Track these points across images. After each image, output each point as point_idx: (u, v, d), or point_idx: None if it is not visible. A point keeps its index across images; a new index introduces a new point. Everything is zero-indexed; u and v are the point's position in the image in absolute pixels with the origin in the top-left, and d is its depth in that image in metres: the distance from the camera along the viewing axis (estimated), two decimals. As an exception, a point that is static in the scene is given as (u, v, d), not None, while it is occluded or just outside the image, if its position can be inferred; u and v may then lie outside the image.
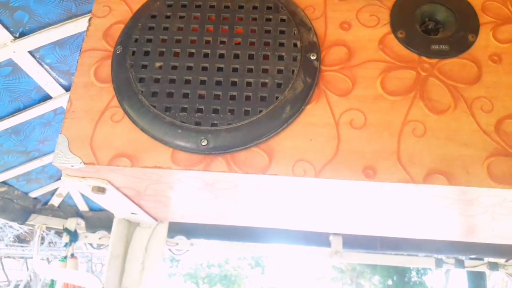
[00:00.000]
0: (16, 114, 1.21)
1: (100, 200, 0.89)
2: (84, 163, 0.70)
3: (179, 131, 0.70)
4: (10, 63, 1.05)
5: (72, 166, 0.71)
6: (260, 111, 0.69)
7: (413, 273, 14.18)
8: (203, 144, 0.69)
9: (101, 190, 0.79)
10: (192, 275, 15.86)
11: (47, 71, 1.12)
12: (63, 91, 1.22)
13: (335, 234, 1.76)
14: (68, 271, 1.56)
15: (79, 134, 0.72)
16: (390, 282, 14.68)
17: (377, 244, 1.78)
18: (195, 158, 0.70)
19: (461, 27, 0.78)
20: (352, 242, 1.78)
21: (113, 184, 0.79)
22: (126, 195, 0.86)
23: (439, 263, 1.75)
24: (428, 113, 0.72)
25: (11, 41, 0.99)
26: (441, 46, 0.76)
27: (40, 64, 1.09)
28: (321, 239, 1.80)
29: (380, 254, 1.79)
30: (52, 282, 1.73)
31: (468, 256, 1.79)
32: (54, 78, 1.16)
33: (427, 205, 0.80)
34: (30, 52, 1.04)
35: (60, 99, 1.23)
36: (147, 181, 0.77)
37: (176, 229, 1.77)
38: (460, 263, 1.80)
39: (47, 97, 1.22)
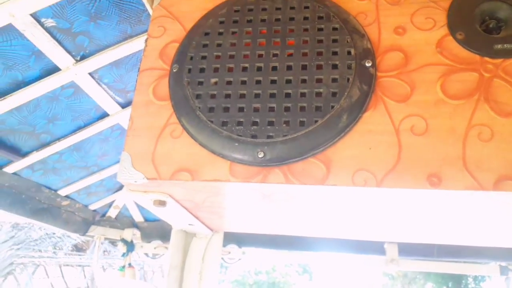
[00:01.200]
0: (78, 132, 1.29)
1: (160, 212, 0.92)
2: (147, 179, 0.73)
3: (236, 144, 0.71)
4: (72, 85, 1.12)
5: (136, 181, 0.74)
6: (316, 121, 0.69)
7: (470, 279, 13.40)
8: (260, 156, 0.69)
9: (162, 203, 0.81)
10: (240, 282, 15.95)
11: (105, 90, 1.19)
12: (119, 108, 1.28)
13: (390, 242, 1.70)
14: (127, 280, 1.62)
15: (141, 151, 0.75)
16: (445, 289, 13.95)
17: (435, 251, 1.71)
18: (253, 170, 0.71)
19: (525, 23, 0.73)
20: (408, 249, 1.72)
21: (174, 197, 0.81)
22: (185, 207, 0.89)
23: (504, 270, 1.65)
24: (494, 116, 0.68)
25: (73, 65, 1.06)
26: (505, 45, 0.72)
27: (99, 84, 1.15)
28: (374, 247, 1.75)
29: (438, 262, 1.71)
30: (112, 291, 1.80)
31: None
32: (111, 96, 1.22)
33: (494, 212, 0.76)
34: (90, 74, 1.11)
35: (116, 116, 1.30)
36: (206, 194, 0.79)
37: (228, 238, 1.80)
38: (527, 272, 1.68)
39: (105, 115, 1.29)
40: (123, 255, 1.81)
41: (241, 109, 0.73)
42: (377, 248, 1.75)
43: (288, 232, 1.15)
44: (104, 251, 7.01)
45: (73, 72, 1.06)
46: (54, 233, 7.08)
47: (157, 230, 1.86)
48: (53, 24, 0.93)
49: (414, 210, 0.79)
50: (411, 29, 0.76)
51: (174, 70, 0.79)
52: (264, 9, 0.79)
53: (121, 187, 1.74)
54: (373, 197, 0.71)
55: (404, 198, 0.70)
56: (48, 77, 1.06)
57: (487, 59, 0.72)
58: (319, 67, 0.73)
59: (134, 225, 1.87)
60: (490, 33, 0.74)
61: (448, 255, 1.69)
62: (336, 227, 1.02)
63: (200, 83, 0.76)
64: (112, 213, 1.84)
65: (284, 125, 0.70)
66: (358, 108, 0.70)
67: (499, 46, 0.72)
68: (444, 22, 0.75)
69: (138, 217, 1.85)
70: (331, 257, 1.79)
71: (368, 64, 0.72)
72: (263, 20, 0.78)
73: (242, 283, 15.88)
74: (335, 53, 0.73)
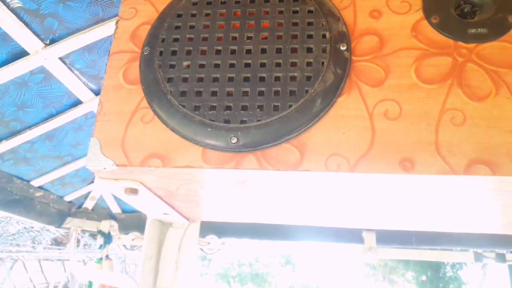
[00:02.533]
0: (49, 120, 1.24)
1: (133, 201, 0.89)
2: (116, 165, 0.70)
3: (209, 129, 0.69)
4: (42, 70, 1.07)
5: (105, 168, 0.72)
6: (290, 106, 0.68)
7: (448, 268, 13.79)
8: (233, 141, 0.68)
9: (134, 191, 0.79)
10: (223, 275, 16.01)
11: (77, 77, 1.15)
12: (93, 95, 1.24)
13: (368, 230, 1.72)
14: (104, 273, 1.59)
15: (111, 136, 0.73)
16: (424, 277, 14.32)
17: (412, 239, 1.73)
18: (226, 156, 0.69)
19: (500, 8, 0.73)
20: (386, 237, 1.74)
21: (146, 185, 0.79)
22: (158, 196, 0.86)
23: (478, 257, 1.69)
24: (467, 100, 0.68)
25: (42, 48, 1.01)
26: (478, 29, 0.72)
27: (71, 69, 1.11)
28: (353, 236, 1.76)
29: (415, 250, 1.73)
30: (90, 284, 1.77)
31: (509, 250, 1.70)
32: (83, 83, 1.18)
33: (467, 197, 0.76)
34: (61, 59, 1.07)
35: (90, 104, 1.26)
36: (179, 181, 0.77)
37: (207, 228, 1.78)
38: (501, 257, 1.72)
39: (78, 102, 1.25)
40: (100, 247, 1.78)
41: (214, 93, 0.71)
42: (356, 237, 1.76)
43: (266, 220, 1.14)
44: (85, 245, 6.90)
45: (42, 56, 1.02)
46: (32, 227, 6.92)
47: (135, 221, 1.83)
48: (19, 4, 0.89)
49: (389, 196, 0.79)
50: (387, 12, 0.75)
51: (145, 53, 0.77)
52: (238, -9, 0.77)
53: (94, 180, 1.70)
54: (347, 183, 0.71)
55: (378, 183, 0.70)
56: (16, 61, 1.02)
57: (461, 43, 0.72)
58: (293, 50, 0.71)
59: (111, 216, 1.84)
60: (464, 17, 0.74)
61: (426, 243, 1.72)
62: (314, 214, 1.02)
63: (172, 66, 0.74)
64: (89, 204, 1.80)
65: (258, 109, 0.69)
66: (332, 93, 0.69)
67: (473, 30, 0.72)
68: (420, 6, 0.75)
69: (115, 208, 1.82)
70: (311, 246, 1.80)
71: (343, 48, 0.71)
72: (237, 2, 0.76)
73: (225, 275, 15.94)
74: (310, 36, 0.72)
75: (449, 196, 0.77)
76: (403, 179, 0.66)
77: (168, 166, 0.69)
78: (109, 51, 0.81)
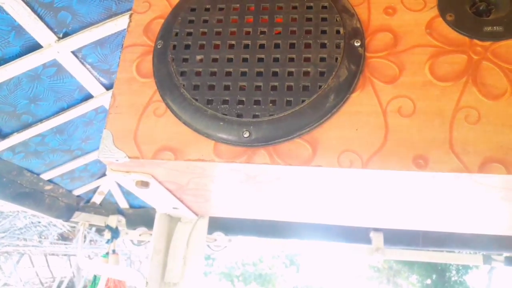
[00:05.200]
0: (60, 114, 1.25)
1: (143, 194, 0.90)
2: (129, 157, 0.71)
3: (221, 123, 0.69)
4: (54, 63, 1.08)
5: (117, 160, 0.72)
6: (303, 101, 0.68)
7: (453, 271, 13.67)
8: (245, 136, 0.68)
9: (145, 184, 0.80)
10: (227, 274, 16.01)
11: (89, 71, 1.15)
12: (104, 90, 1.25)
13: (375, 230, 1.71)
14: (111, 267, 1.60)
15: (123, 129, 0.73)
16: (429, 281, 14.21)
17: (420, 240, 1.72)
18: (237, 151, 0.69)
19: (516, 7, 0.72)
20: (393, 238, 1.73)
21: (157, 178, 0.79)
22: (168, 190, 0.87)
23: (487, 260, 1.67)
24: (482, 98, 0.67)
25: (55, 42, 1.02)
26: (494, 27, 0.71)
27: (83, 63, 1.12)
28: (360, 236, 1.76)
29: (423, 251, 1.72)
30: (95, 278, 1.78)
31: (519, 253, 1.69)
32: (95, 77, 1.19)
33: (480, 196, 0.76)
34: (73, 52, 1.07)
35: (101, 98, 1.26)
36: (190, 175, 0.77)
37: (214, 225, 1.78)
38: (510, 261, 1.70)
39: (89, 96, 1.26)
40: (108, 241, 1.79)
41: (226, 88, 0.71)
42: (363, 236, 1.75)
43: (274, 217, 1.14)
44: (91, 241, 6.95)
45: (55, 49, 1.03)
46: (39, 222, 6.99)
47: (143, 217, 1.83)
48: (34, -3, 0.90)
49: (400, 194, 0.79)
50: (401, 9, 0.74)
51: (159, 47, 0.77)
52: (252, -15, 0.77)
53: (106, 173, 1.71)
54: (359, 179, 0.70)
55: (390, 180, 0.70)
56: (29, 54, 1.02)
57: (476, 41, 0.71)
58: (307, 45, 0.71)
59: (119, 211, 1.84)
60: (480, 15, 0.73)
61: (433, 244, 1.71)
62: (322, 211, 1.02)
63: (185, 60, 0.74)
64: (97, 199, 1.81)
65: (270, 104, 0.69)
66: (345, 89, 0.69)
67: (489, 28, 0.71)
68: (435, 3, 0.74)
69: (123, 203, 1.83)
70: (318, 245, 1.80)
71: (357, 44, 0.71)
72: (251, -3, 0.76)
73: (229, 274, 15.95)
74: (323, 32, 0.72)
75: (460, 195, 0.76)
76: (415, 176, 0.66)
77: (180, 159, 0.70)
78: (122, 45, 0.81)
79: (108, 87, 1.25)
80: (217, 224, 1.80)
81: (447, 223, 1.04)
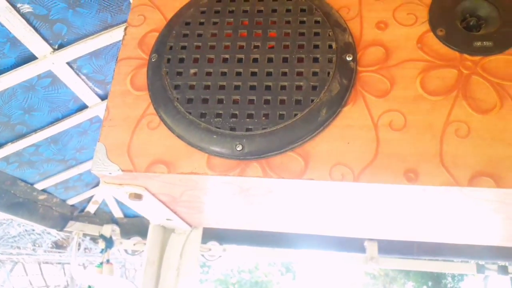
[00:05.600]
0: (55, 124, 1.25)
1: (136, 206, 0.90)
2: (122, 170, 0.71)
3: (214, 136, 0.69)
4: (49, 74, 1.09)
5: (110, 173, 0.72)
6: (295, 115, 0.68)
7: (449, 279, 13.66)
8: (238, 149, 0.68)
9: (138, 196, 0.80)
10: (222, 281, 15.91)
11: (84, 81, 1.16)
12: (99, 100, 1.25)
13: (370, 239, 1.71)
14: (105, 277, 1.59)
15: (117, 142, 0.73)
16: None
17: (414, 249, 1.72)
18: (230, 164, 0.69)
19: (506, 22, 0.74)
20: (388, 247, 1.73)
21: (150, 190, 0.80)
22: (162, 202, 0.87)
23: (481, 269, 1.67)
24: (472, 112, 0.68)
25: (50, 53, 1.03)
26: (484, 42, 0.73)
27: (78, 74, 1.12)
28: (355, 245, 1.76)
29: (417, 260, 1.73)
30: (89, 288, 1.76)
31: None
32: (90, 87, 1.19)
33: (471, 209, 0.76)
34: (68, 63, 1.08)
35: (95, 108, 1.27)
36: (183, 187, 0.77)
37: (208, 235, 1.78)
38: (503, 270, 1.71)
39: (83, 107, 1.26)
40: (102, 251, 1.78)
41: (220, 101, 0.71)
42: (358, 246, 1.76)
43: (268, 228, 1.14)
44: (85, 249, 6.89)
45: (50, 61, 1.03)
46: (33, 230, 6.92)
47: (137, 226, 1.83)
48: (30, 9, 0.90)
49: (392, 206, 0.79)
50: (393, 24, 0.75)
51: (153, 60, 0.77)
52: (246, 0, 0.78)
53: (100, 182, 1.71)
54: (351, 192, 0.71)
55: (381, 193, 0.70)
56: (24, 65, 1.03)
57: (466, 56, 0.72)
58: (300, 60, 0.72)
59: (113, 221, 1.84)
60: (470, 30, 0.74)
61: (428, 253, 1.71)
62: (316, 222, 1.02)
63: (179, 73, 0.74)
64: (91, 208, 1.81)
65: (263, 118, 0.69)
66: (337, 103, 0.70)
67: (479, 43, 0.72)
68: (426, 18, 0.75)
69: (117, 213, 1.82)
70: (313, 254, 1.80)
71: (349, 58, 0.72)
72: (245, 11, 0.77)
73: (225, 282, 15.84)
74: (316, 47, 0.73)
75: (452, 208, 0.77)
76: (407, 190, 0.67)
77: (173, 172, 0.70)
78: (116, 57, 0.82)
79: (103, 97, 1.25)
80: (211, 234, 1.80)
81: (440, 233, 1.05)
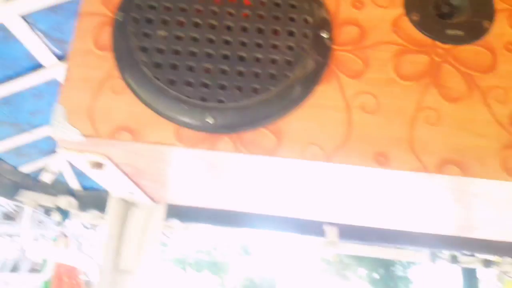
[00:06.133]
0: (6, 82, 1.16)
1: (97, 177, 0.85)
2: (83, 135, 0.66)
3: (185, 106, 0.66)
4: (0, 27, 0.99)
5: (70, 138, 0.67)
6: (269, 89, 0.66)
7: (399, 266, 14.39)
8: (209, 121, 0.66)
9: (99, 165, 0.75)
10: (180, 261, 15.90)
11: (40, 38, 1.06)
12: (56, 60, 1.16)
13: (330, 223, 1.74)
14: (61, 251, 1.53)
15: (78, 104, 0.68)
16: (376, 275, 14.88)
17: (373, 236, 1.77)
18: (200, 136, 0.67)
19: (476, 13, 0.74)
20: (347, 232, 1.77)
21: (112, 160, 0.75)
22: (125, 173, 0.83)
23: (433, 258, 1.75)
24: (442, 100, 0.69)
25: (2, 2, 0.93)
26: (456, 31, 0.73)
27: (32, 29, 1.03)
28: (315, 228, 1.78)
29: (375, 247, 1.78)
30: (45, 262, 1.69)
31: (462, 251, 1.78)
32: (47, 45, 1.10)
33: (435, 197, 0.78)
34: (23, 17, 0.99)
35: (52, 70, 1.18)
36: (148, 159, 0.74)
37: (170, 212, 1.74)
38: (454, 259, 1.80)
39: (38, 66, 1.17)
40: (58, 224, 1.70)
41: (190, 68, 0.68)
42: (317, 229, 1.78)
43: (232, 207, 1.13)
44: (39, 222, 6.63)
45: (1, 11, 0.94)
46: (-19, 200, 6.57)
47: (95, 199, 1.76)
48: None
49: (358, 190, 0.80)
50: (369, 4, 0.74)
51: (119, 18, 0.72)
52: (221, -37, 0.74)
53: (56, 150, 1.62)
54: (320, 173, 0.70)
55: (350, 175, 0.70)
56: (-26, 16, 0.94)
57: (438, 43, 0.72)
58: (275, 32, 0.70)
59: (69, 192, 1.76)
60: (443, 18, 0.74)
61: (385, 240, 1.77)
62: (281, 203, 1.02)
63: (147, 35, 0.70)
64: (46, 178, 1.71)
65: (236, 90, 0.67)
66: (312, 80, 0.68)
67: (451, 32, 0.73)
68: (401, 1, 0.75)
69: (74, 184, 1.74)
70: (274, 236, 1.81)
71: (325, 35, 0.70)
72: (220, -25, 0.73)
73: (182, 261, 15.85)
74: (292, 19, 0.70)
75: (417, 195, 0.78)
76: (376, 173, 0.67)
77: (138, 141, 0.66)
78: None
79: (61, 58, 1.16)
80: (173, 211, 1.76)
81: (400, 220, 1.08)
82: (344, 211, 1.04)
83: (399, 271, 14.56)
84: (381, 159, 0.65)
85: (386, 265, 14.14)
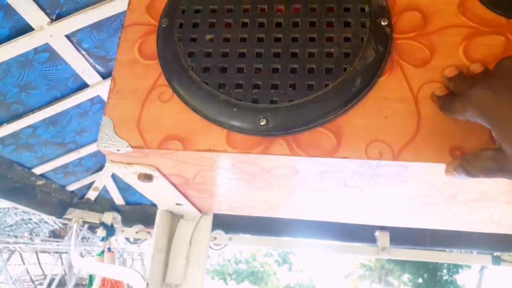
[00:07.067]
0: (54, 104, 1.17)
1: (145, 189, 0.83)
2: (132, 147, 0.64)
3: (235, 109, 0.62)
4: (47, 48, 1.00)
5: (118, 150, 0.65)
6: (326, 85, 0.61)
7: (444, 271, 13.77)
8: (262, 124, 0.61)
9: (148, 177, 0.73)
10: (219, 272, 15.97)
11: (84, 57, 1.07)
12: (100, 78, 1.17)
13: (381, 229, 1.65)
14: (107, 266, 1.53)
15: (125, 116, 0.66)
16: (420, 280, 14.29)
17: (426, 240, 1.67)
18: (253, 140, 0.62)
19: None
20: (399, 237, 1.67)
21: (161, 171, 0.72)
22: (173, 184, 0.80)
23: (496, 260, 1.62)
24: None
25: (47, 24, 0.94)
26: (533, 7, 0.65)
27: (77, 49, 1.04)
28: (365, 235, 1.70)
29: (430, 251, 1.67)
30: (91, 278, 1.70)
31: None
32: (91, 64, 1.11)
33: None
34: (67, 36, 0.99)
35: (97, 88, 1.19)
36: (198, 167, 0.70)
37: (214, 223, 1.71)
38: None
39: (84, 86, 1.18)
40: (103, 239, 1.71)
41: (240, 70, 0.64)
42: (368, 236, 1.70)
43: (280, 215, 1.07)
44: (83, 238, 6.83)
45: (48, 32, 0.95)
46: (30, 219, 6.86)
47: (139, 214, 1.76)
48: (24, -26, 0.82)
49: (420, 188, 0.72)
50: None
51: (163, 25, 0.70)
52: (267, -41, 0.70)
53: (101, 168, 1.63)
54: (383, 172, 0.64)
55: (419, 173, 0.63)
56: (20, 37, 0.94)
57: (514, 21, 0.65)
58: (329, 24, 0.64)
59: (114, 208, 1.77)
60: (517, -7, 0.67)
61: (440, 244, 1.66)
62: (335, 209, 0.95)
63: (193, 39, 0.67)
64: (91, 195, 1.73)
65: (290, 88, 0.62)
66: (373, 72, 0.62)
67: (528, 8, 0.65)
68: (468, -20, 0.68)
69: (118, 200, 1.75)
70: (324, 244, 1.74)
71: (384, 23, 0.64)
72: (266, -29, 0.69)
73: (221, 272, 15.89)
74: (347, 10, 0.65)
75: (487, 189, 0.70)
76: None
77: (189, 149, 0.63)
78: (122, 25, 0.74)
79: (105, 76, 1.17)
80: (217, 222, 1.73)
81: (453, 222, 0.99)
82: (397, 213, 0.96)
83: (445, 276, 13.92)
84: (457, 154, 0.58)
85: (431, 271, 13.56)
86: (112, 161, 0.70)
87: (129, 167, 0.70)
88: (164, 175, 0.75)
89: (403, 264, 13.93)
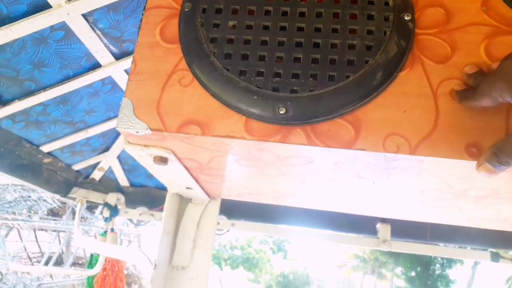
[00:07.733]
0: (66, 82, 1.17)
1: (157, 171, 0.84)
2: (151, 129, 0.64)
3: (255, 97, 0.63)
4: (63, 26, 1.00)
5: (137, 132, 0.65)
6: (347, 77, 0.61)
7: (438, 265, 13.92)
8: (281, 112, 0.62)
9: (164, 160, 0.73)
10: (214, 256, 16.12)
11: (99, 37, 1.07)
12: (113, 59, 1.16)
13: (382, 221, 1.67)
14: (111, 246, 1.54)
15: (145, 98, 0.66)
16: (413, 273, 14.45)
17: (427, 234, 1.69)
18: (271, 128, 0.63)
19: None
20: (400, 230, 1.69)
21: (177, 154, 0.73)
22: (186, 167, 0.81)
23: (495, 257, 1.64)
24: None
25: (65, 2, 0.94)
26: (555, 8, 0.65)
27: (93, 29, 1.04)
28: (366, 226, 1.72)
29: (430, 245, 1.69)
30: (92, 257, 1.72)
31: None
32: (105, 44, 1.10)
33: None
34: (84, 15, 0.99)
35: (109, 68, 1.18)
36: (214, 153, 0.71)
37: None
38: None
39: (96, 65, 1.18)
40: (106, 220, 1.73)
41: (262, 58, 0.64)
42: (369, 227, 1.72)
43: (286, 203, 1.09)
44: (81, 218, 6.88)
45: (65, 11, 0.95)
46: (29, 196, 6.89)
47: (143, 196, 1.77)
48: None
49: (431, 182, 0.73)
50: None
51: (186, 10, 0.70)
52: None
53: (107, 148, 1.64)
54: (397, 165, 0.65)
55: (431, 168, 0.64)
56: (37, 14, 0.94)
57: (537, 22, 0.65)
58: (352, 16, 0.65)
59: (118, 189, 1.78)
60: (541, -6, 0.67)
61: (441, 238, 1.68)
62: (341, 199, 0.96)
63: (216, 25, 0.67)
64: (96, 175, 1.74)
65: (310, 78, 0.62)
66: (394, 66, 0.63)
67: (551, 9, 0.65)
68: (492, -21, 0.67)
69: (123, 181, 1.76)
70: (324, 234, 1.76)
71: (407, 18, 0.65)
72: (291, -40, 0.69)
73: (217, 257, 16.05)
74: (371, 3, 0.65)
75: (492, 187, 0.71)
76: (465, 165, 0.61)
77: (207, 135, 0.63)
78: (144, 6, 0.74)
79: (118, 57, 1.17)
80: (220, 207, 1.75)
81: (457, 217, 1.00)
82: (399, 206, 0.97)
83: (437, 270, 14.06)
84: (473, 151, 0.59)
85: (424, 265, 13.70)
86: (129, 142, 0.71)
87: (146, 149, 0.71)
88: (179, 159, 0.75)
89: (397, 257, 14.06)
